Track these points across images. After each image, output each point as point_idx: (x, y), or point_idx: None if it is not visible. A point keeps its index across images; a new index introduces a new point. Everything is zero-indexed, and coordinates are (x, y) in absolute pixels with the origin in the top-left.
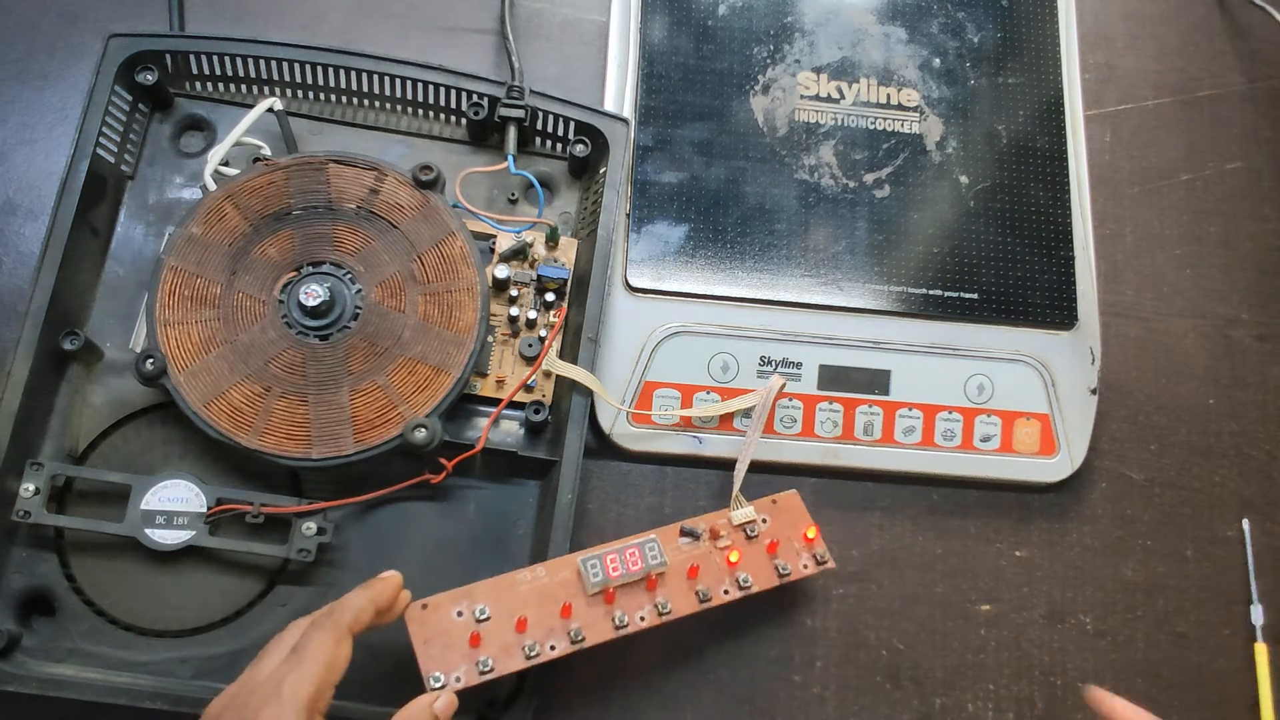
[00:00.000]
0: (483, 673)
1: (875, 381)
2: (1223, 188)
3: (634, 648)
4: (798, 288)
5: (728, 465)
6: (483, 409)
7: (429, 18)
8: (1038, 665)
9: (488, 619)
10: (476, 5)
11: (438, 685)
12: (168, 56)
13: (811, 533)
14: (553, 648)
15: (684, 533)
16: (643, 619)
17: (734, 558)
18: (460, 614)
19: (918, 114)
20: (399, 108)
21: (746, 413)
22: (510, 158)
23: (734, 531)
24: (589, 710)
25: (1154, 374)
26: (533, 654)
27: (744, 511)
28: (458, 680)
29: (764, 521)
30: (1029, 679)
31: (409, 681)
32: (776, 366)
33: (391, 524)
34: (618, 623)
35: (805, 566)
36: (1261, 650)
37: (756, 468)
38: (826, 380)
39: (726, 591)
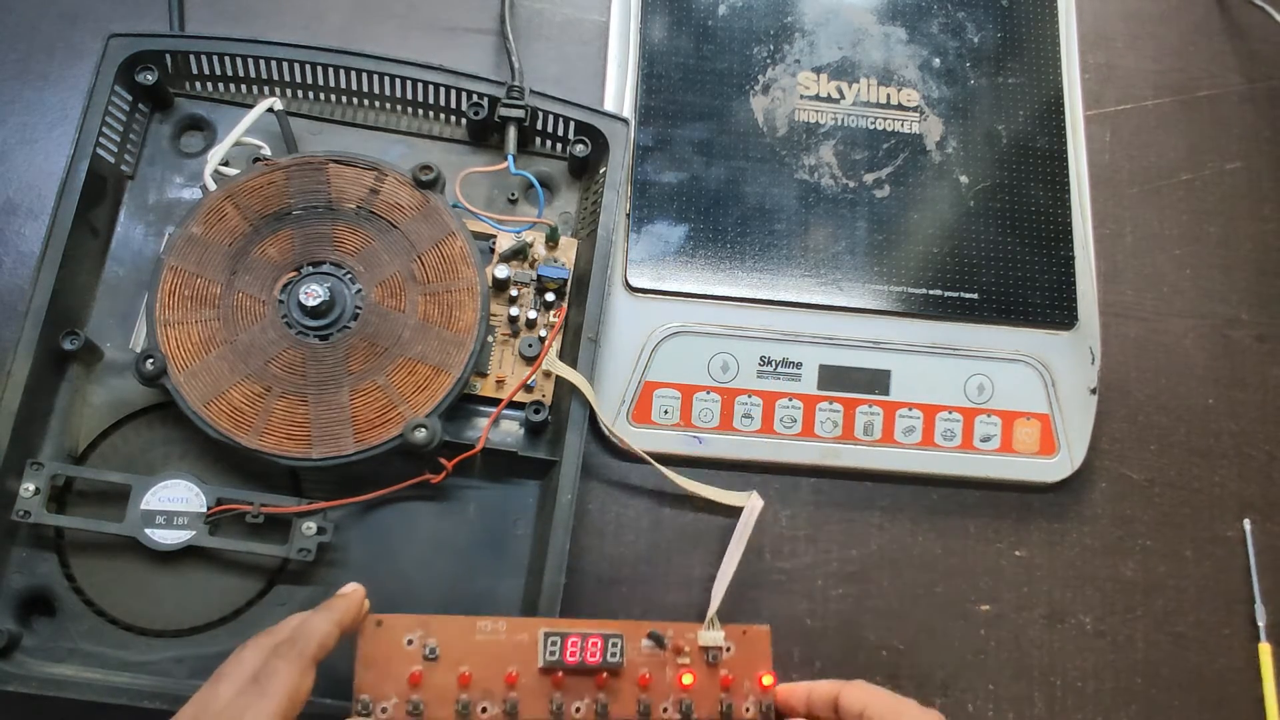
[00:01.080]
0: (409, 713)
1: (875, 381)
2: (1223, 188)
3: None
4: (798, 288)
5: (727, 465)
6: (483, 409)
7: (429, 18)
8: (1037, 665)
9: (435, 659)
10: (476, 5)
11: (364, 713)
12: (168, 56)
13: (768, 680)
14: (484, 710)
15: (651, 636)
16: (578, 711)
17: (686, 680)
18: (411, 642)
19: (918, 114)
20: (399, 108)
21: (747, 414)
22: (510, 158)
23: (696, 652)
24: None
25: (1154, 374)
26: (464, 712)
27: (713, 636)
28: (384, 711)
29: (728, 649)
30: (1029, 679)
31: None
32: (776, 366)
33: (391, 524)
34: (554, 708)
35: (748, 710)
36: (1266, 650)
37: (756, 467)
38: (826, 380)
39: (666, 710)
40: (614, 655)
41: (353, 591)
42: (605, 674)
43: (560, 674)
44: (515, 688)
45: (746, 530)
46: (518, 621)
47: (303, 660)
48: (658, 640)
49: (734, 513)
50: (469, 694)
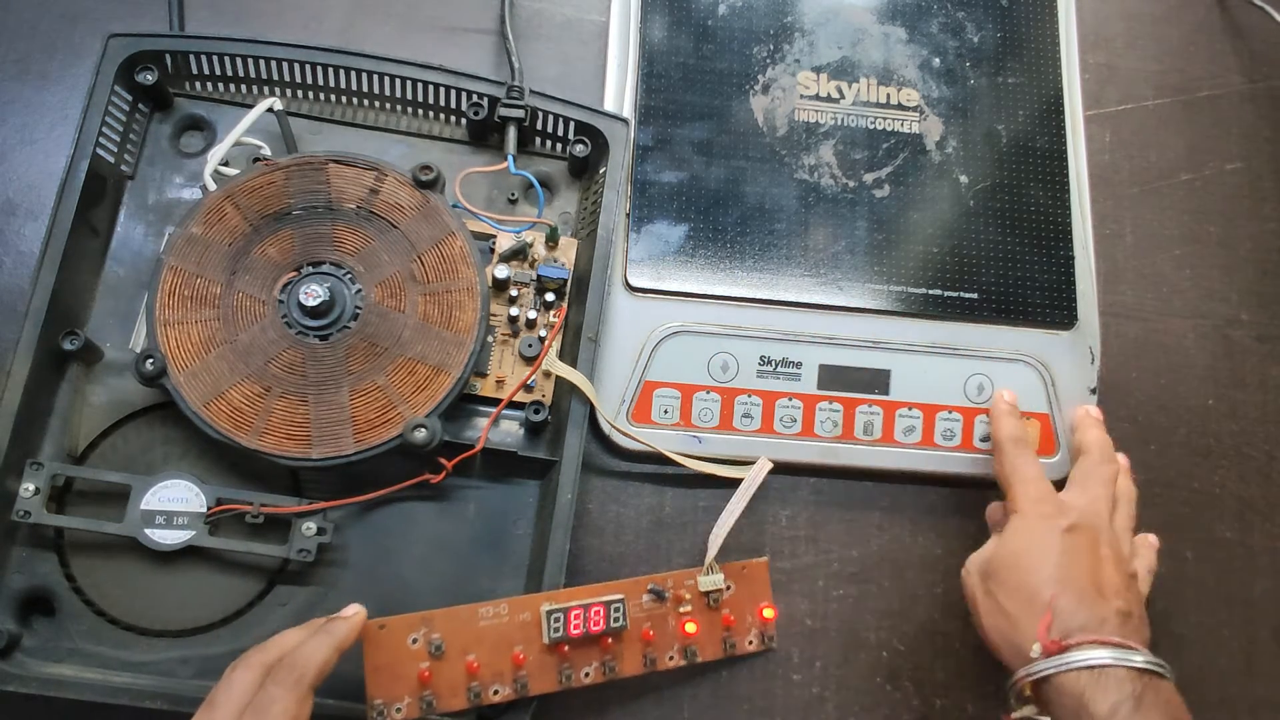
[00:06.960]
0: (424, 710)
1: (875, 381)
2: (1223, 188)
3: None
4: (798, 288)
5: (727, 465)
6: (483, 409)
7: (429, 18)
8: None
9: (441, 654)
10: (476, 5)
11: (380, 718)
12: (167, 56)
13: (769, 613)
14: (496, 693)
15: (651, 591)
16: (587, 675)
17: (690, 628)
18: (415, 641)
19: (918, 114)
20: (399, 108)
21: (747, 413)
22: (510, 158)
23: (698, 597)
24: (587, 710)
25: (1154, 374)
26: (476, 698)
27: (712, 579)
28: (398, 711)
29: (729, 588)
30: None
31: None
32: (776, 366)
33: (391, 524)
34: (562, 678)
35: (750, 643)
36: None
37: None
38: (826, 380)
39: (671, 658)
40: (617, 620)
41: (354, 615)
42: (609, 637)
43: (565, 646)
44: (524, 667)
45: (752, 486)
46: (518, 601)
47: (300, 688)
48: (658, 594)
49: None
50: (479, 681)
